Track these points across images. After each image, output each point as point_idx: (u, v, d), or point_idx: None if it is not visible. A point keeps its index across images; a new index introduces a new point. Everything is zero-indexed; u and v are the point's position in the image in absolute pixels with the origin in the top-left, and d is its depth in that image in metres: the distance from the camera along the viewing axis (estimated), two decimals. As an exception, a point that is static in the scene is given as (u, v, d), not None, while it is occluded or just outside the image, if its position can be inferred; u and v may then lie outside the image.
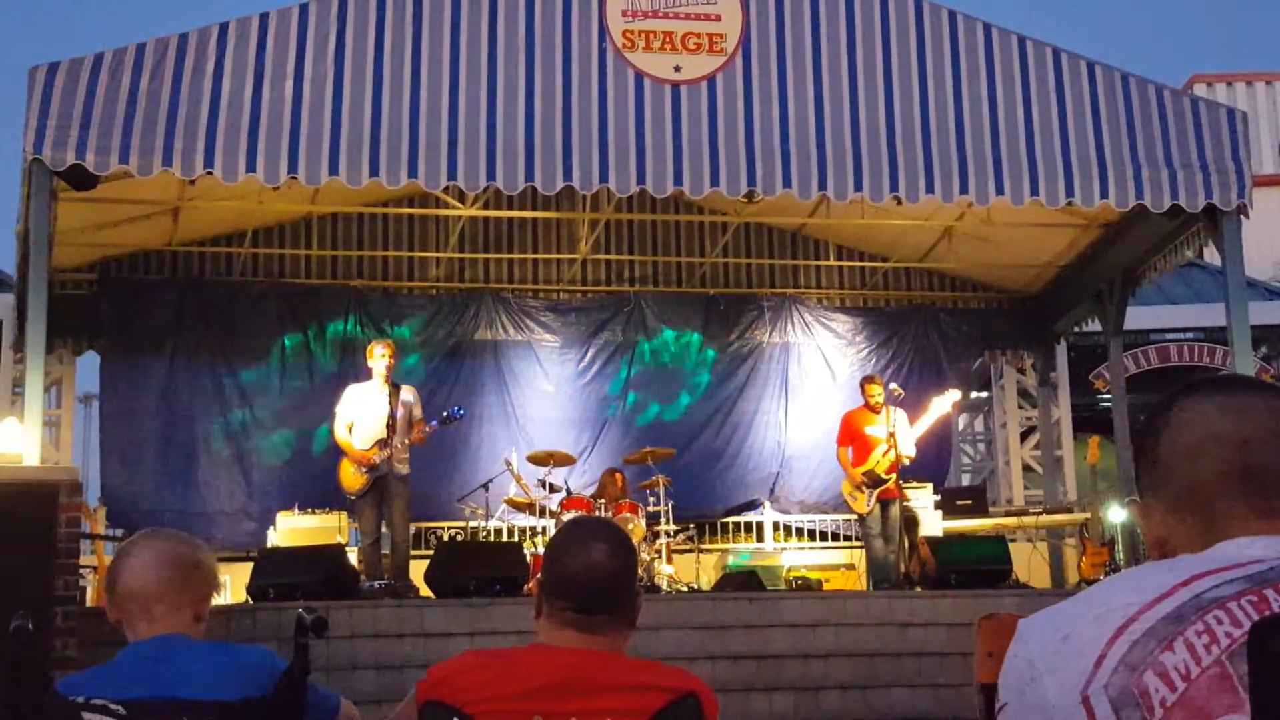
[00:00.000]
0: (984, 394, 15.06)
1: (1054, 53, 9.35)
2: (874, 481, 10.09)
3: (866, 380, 10.58)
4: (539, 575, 2.47)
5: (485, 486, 10.97)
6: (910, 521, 10.57)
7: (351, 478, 9.51)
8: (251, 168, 8.44)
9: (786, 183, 8.92)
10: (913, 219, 11.59)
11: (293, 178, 8.58)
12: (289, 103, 8.52)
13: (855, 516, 11.60)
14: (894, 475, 10.05)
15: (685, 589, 10.20)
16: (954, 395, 11.06)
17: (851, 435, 10.35)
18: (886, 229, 12.10)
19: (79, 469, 8.75)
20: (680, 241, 13.15)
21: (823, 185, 8.97)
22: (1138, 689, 1.22)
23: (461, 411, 10.16)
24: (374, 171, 8.55)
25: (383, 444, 9.40)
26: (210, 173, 8.45)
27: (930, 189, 9.04)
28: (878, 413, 10.21)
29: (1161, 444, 1.43)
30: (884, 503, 10.11)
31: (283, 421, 12.17)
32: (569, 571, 2.39)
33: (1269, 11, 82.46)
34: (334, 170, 8.55)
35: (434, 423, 9.75)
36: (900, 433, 10.12)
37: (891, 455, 10.00)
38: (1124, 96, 9.33)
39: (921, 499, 11.10)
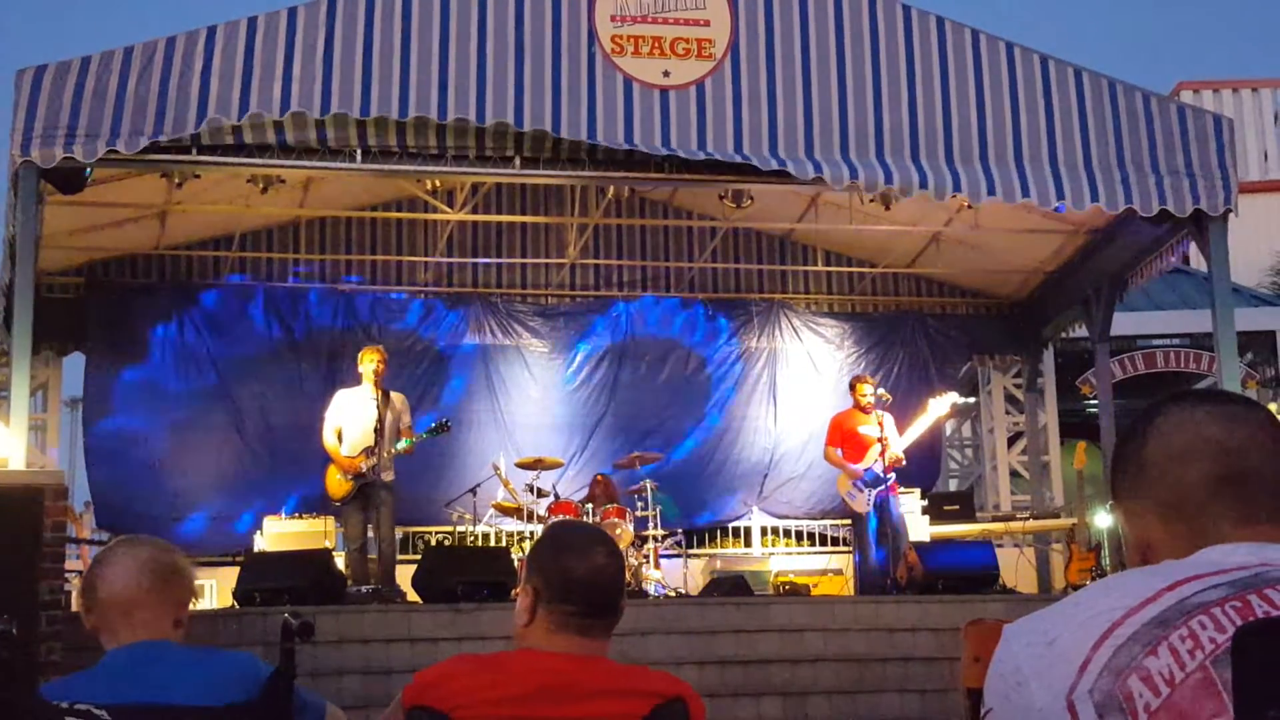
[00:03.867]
0: (971, 399, 15.08)
1: (1041, 59, 9.37)
2: (874, 481, 9.95)
3: (857, 379, 10.49)
4: (531, 580, 2.42)
5: (473, 491, 10.93)
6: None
7: (337, 484, 9.47)
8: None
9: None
10: (901, 225, 11.60)
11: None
12: (277, 106, 8.50)
13: (845, 521, 11.59)
14: (892, 474, 9.95)
15: (673, 594, 10.19)
16: (952, 398, 10.82)
17: (842, 435, 10.22)
18: (874, 234, 12.11)
19: (65, 472, 8.69)
20: (668, 246, 13.13)
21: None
22: (1122, 694, 1.22)
23: (448, 422, 10.16)
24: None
25: (369, 451, 9.35)
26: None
27: (924, 185, 9.02)
28: (868, 413, 10.09)
29: (1149, 448, 1.43)
30: (882, 500, 9.89)
31: (270, 425, 12.13)
32: (576, 575, 2.37)
33: (1255, 19, 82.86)
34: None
35: (420, 432, 9.74)
36: (889, 437, 10.03)
37: (889, 455, 9.88)
38: (1111, 103, 9.35)
39: (909, 504, 11.07)
